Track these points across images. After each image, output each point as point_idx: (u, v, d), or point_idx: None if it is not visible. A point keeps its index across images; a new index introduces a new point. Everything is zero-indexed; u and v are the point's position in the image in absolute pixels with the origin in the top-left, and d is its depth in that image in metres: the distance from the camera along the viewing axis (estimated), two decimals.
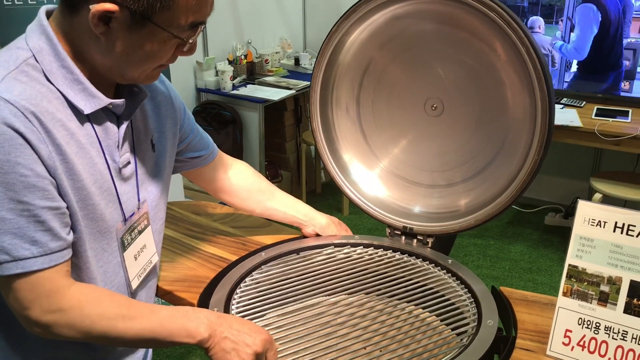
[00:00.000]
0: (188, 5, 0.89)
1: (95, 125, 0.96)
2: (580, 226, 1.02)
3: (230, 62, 3.82)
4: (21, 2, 2.33)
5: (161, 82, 1.16)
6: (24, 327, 0.91)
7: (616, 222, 1.01)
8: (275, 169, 4.01)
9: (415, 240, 1.37)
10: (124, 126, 1.00)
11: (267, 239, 1.44)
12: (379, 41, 1.36)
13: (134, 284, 1.09)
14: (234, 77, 3.72)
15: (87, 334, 0.92)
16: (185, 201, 1.59)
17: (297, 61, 4.23)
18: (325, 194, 4.21)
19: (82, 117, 0.93)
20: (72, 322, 0.90)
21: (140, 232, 1.09)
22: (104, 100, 0.95)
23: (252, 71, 3.98)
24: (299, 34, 4.56)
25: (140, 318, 0.94)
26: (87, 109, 0.93)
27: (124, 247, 1.05)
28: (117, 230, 1.02)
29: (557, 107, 3.29)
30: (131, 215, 1.05)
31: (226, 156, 1.38)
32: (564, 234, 3.57)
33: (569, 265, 1.03)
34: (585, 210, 1.03)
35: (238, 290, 1.21)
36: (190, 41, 0.94)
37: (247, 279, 1.24)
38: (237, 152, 3.61)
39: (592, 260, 1.03)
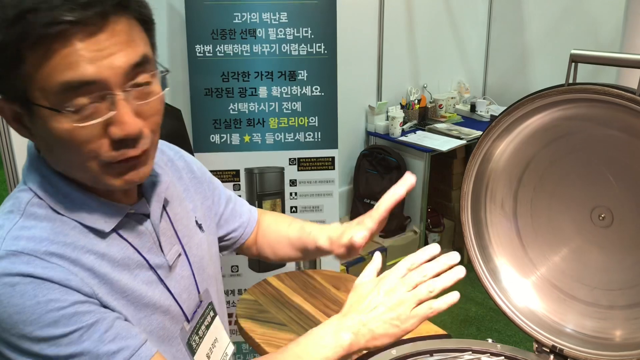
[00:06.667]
0: (49, 64, 0.72)
1: (125, 235, 0.90)
2: None
3: (402, 107, 3.81)
4: (211, 54, 2.53)
5: (179, 158, 1.09)
6: None
7: None
8: (437, 217, 3.90)
9: None
10: (157, 223, 0.94)
11: None
12: (544, 138, 1.24)
13: None
14: (404, 122, 3.69)
15: None
16: (327, 271, 1.60)
17: (472, 107, 4.09)
18: None
19: (107, 234, 0.87)
20: None
21: (208, 327, 1.03)
22: (123, 209, 0.89)
23: (424, 116, 3.93)
24: (478, 78, 4.41)
25: None
26: (107, 226, 0.87)
27: (192, 350, 0.98)
28: (182, 334, 0.96)
29: None
30: (194, 312, 0.99)
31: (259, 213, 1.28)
32: None
33: None
34: None
35: None
36: (73, 110, 0.74)
37: None
38: None
39: None
